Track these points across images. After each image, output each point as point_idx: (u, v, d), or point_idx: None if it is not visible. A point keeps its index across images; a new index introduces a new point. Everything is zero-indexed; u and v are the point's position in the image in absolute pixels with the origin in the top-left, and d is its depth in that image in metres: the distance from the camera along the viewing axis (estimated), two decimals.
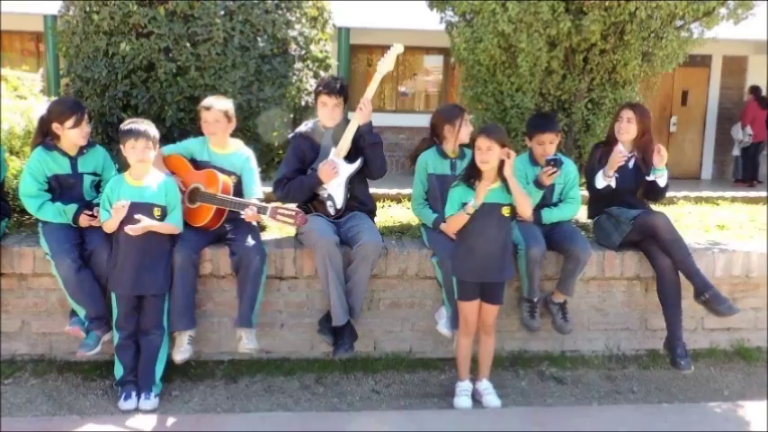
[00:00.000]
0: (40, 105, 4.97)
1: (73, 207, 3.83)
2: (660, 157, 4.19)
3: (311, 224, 3.90)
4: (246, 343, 3.87)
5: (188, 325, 3.87)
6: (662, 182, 4.29)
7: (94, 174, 4.01)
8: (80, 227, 3.84)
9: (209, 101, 4.06)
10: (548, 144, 4.23)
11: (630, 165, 4.33)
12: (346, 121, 4.17)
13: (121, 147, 3.71)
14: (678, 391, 4.04)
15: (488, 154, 3.55)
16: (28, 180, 3.85)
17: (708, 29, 4.96)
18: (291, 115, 5.06)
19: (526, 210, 3.67)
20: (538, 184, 4.16)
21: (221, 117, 4.03)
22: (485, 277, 3.67)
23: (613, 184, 4.28)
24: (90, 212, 3.83)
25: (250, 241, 3.93)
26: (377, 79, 4.08)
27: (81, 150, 3.98)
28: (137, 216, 3.62)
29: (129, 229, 3.59)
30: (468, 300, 3.73)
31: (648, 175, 4.29)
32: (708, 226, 5.46)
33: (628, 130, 4.31)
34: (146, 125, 3.71)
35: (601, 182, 4.29)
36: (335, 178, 4.07)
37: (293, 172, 4.18)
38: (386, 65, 4.05)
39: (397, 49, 4.03)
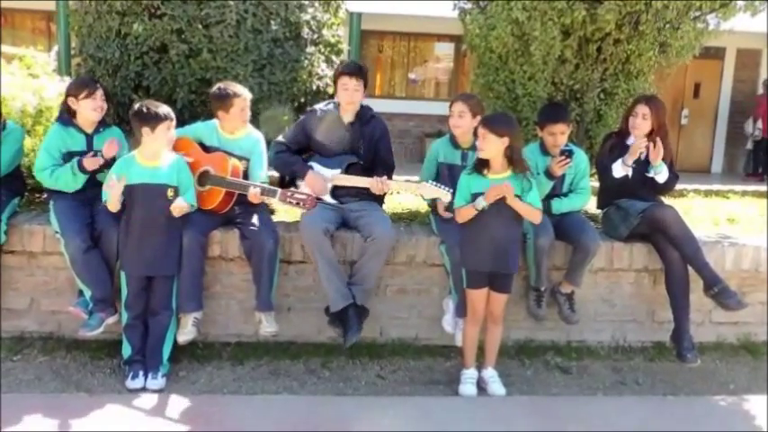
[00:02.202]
0: (52, 84, 4.98)
1: (74, 162, 3.84)
2: (656, 153, 4.15)
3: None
4: (267, 326, 3.90)
5: (195, 307, 3.88)
6: (660, 178, 4.25)
7: None
8: (88, 172, 3.84)
9: (241, 89, 4.03)
10: (559, 135, 4.21)
11: (642, 157, 4.31)
12: (361, 114, 4.18)
13: (146, 129, 3.65)
14: (683, 384, 4.04)
15: (482, 142, 3.59)
16: (43, 156, 3.88)
17: (724, 20, 4.90)
18: (302, 99, 5.05)
19: (533, 220, 3.69)
20: (549, 174, 4.15)
21: (248, 105, 4.05)
22: (491, 267, 3.67)
23: (630, 174, 4.25)
24: (93, 154, 3.86)
25: (262, 225, 3.94)
26: (408, 189, 4.04)
27: (97, 128, 4.00)
28: (173, 195, 3.67)
29: (175, 210, 3.63)
30: (476, 288, 3.72)
31: (648, 172, 4.26)
32: (718, 219, 5.44)
33: (641, 126, 4.26)
34: (166, 107, 3.73)
35: (619, 171, 4.25)
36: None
37: (294, 143, 4.25)
38: (426, 191, 3.93)
39: (443, 196, 3.86)
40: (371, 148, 4.20)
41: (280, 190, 3.80)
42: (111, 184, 3.61)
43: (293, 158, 4.21)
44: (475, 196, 3.61)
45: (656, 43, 4.82)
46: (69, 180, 3.85)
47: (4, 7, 11.35)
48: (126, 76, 4.78)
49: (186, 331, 3.85)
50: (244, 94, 4.04)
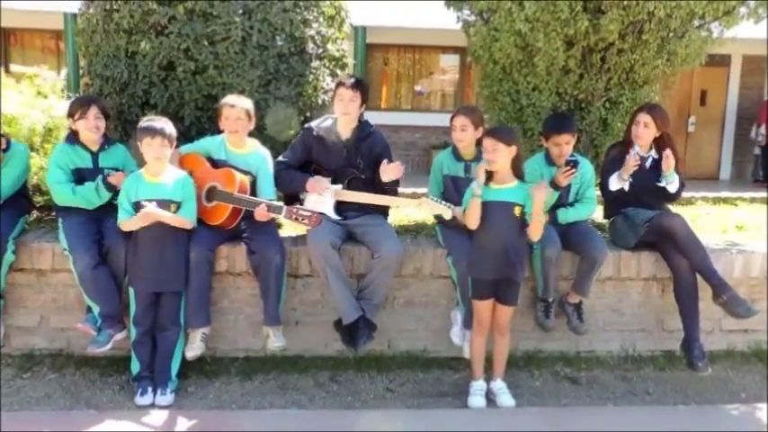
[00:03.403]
0: (61, 103, 5.03)
1: (98, 181, 3.90)
2: (668, 163, 4.17)
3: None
4: (275, 341, 3.91)
5: (203, 322, 3.90)
6: (672, 188, 4.28)
7: (115, 169, 4.04)
8: (113, 187, 3.88)
9: (233, 99, 4.10)
10: (564, 145, 4.20)
11: (648, 165, 4.32)
12: (359, 130, 4.17)
13: (138, 143, 3.75)
14: (695, 393, 4.01)
15: (493, 154, 3.59)
16: (56, 170, 3.92)
17: (727, 28, 4.91)
18: (308, 114, 5.07)
19: (534, 236, 3.68)
20: (554, 184, 4.15)
21: (244, 115, 4.07)
22: (496, 274, 3.65)
23: (626, 188, 4.25)
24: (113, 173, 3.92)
25: (269, 239, 3.95)
26: (409, 205, 4.03)
27: (102, 146, 4.05)
28: (151, 201, 3.66)
29: (140, 215, 3.62)
30: (481, 299, 3.72)
31: (659, 181, 4.27)
32: (726, 226, 5.42)
33: (644, 134, 4.28)
34: (162, 123, 3.74)
35: (615, 184, 4.27)
36: (319, 198, 4.07)
37: (294, 160, 4.24)
38: (427, 208, 3.92)
39: (445, 213, 3.85)
40: (372, 164, 4.18)
41: (285, 207, 3.82)
42: (146, 214, 3.63)
43: (292, 173, 4.20)
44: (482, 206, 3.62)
45: (663, 52, 4.82)
46: (93, 197, 3.90)
47: (13, 27, 11.50)
48: (133, 94, 4.82)
49: (194, 347, 3.86)
50: (233, 103, 4.06)
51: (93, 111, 3.96)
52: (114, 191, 3.90)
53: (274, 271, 3.87)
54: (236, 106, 4.05)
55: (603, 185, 4.42)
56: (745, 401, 3.91)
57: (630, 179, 4.24)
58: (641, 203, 4.30)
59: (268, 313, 3.92)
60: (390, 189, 4.13)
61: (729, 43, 5.07)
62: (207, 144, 4.21)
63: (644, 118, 4.28)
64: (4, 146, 4.06)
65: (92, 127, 3.96)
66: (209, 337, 3.97)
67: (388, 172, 4.01)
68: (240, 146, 4.14)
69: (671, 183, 4.25)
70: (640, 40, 4.72)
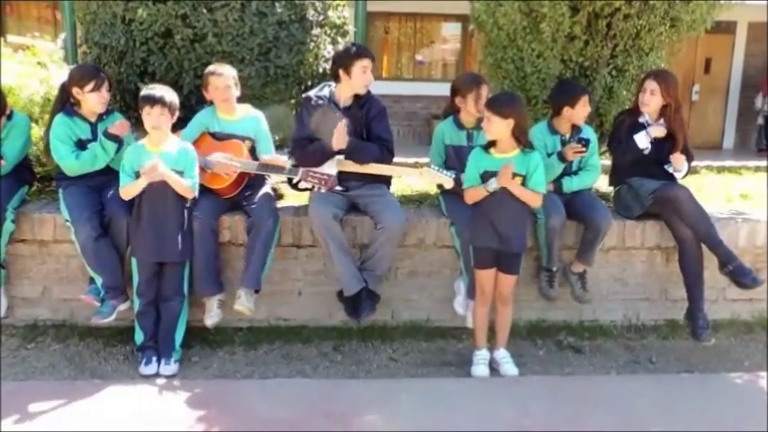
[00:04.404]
0: (60, 73, 4.96)
1: (100, 136, 3.87)
2: (676, 161, 4.16)
3: (310, 195, 3.90)
4: (245, 302, 3.81)
5: (215, 290, 3.90)
6: (678, 176, 4.27)
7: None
8: (116, 138, 3.84)
9: (218, 67, 4.05)
10: (587, 107, 4.18)
11: (661, 135, 4.26)
12: (358, 97, 4.12)
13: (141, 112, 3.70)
14: (698, 362, 4.01)
15: (487, 124, 3.56)
16: (59, 146, 3.87)
17: None
18: (310, 83, 5.00)
19: (533, 204, 3.66)
20: (561, 157, 4.10)
21: (231, 83, 4.04)
22: (497, 243, 3.62)
23: (649, 149, 4.21)
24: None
25: (264, 204, 3.96)
26: (411, 174, 4.04)
27: (100, 117, 4.01)
28: (156, 161, 3.60)
29: (145, 169, 3.56)
30: (483, 268, 3.71)
31: (667, 165, 4.23)
32: (731, 195, 5.39)
33: (651, 102, 4.22)
34: (162, 91, 3.67)
35: (644, 141, 4.20)
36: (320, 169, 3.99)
37: (308, 133, 4.06)
38: (428, 177, 3.96)
39: (446, 183, 3.91)
40: (365, 131, 4.10)
41: (301, 168, 3.81)
42: (149, 169, 3.56)
43: (317, 143, 4.01)
44: (484, 175, 3.58)
45: (667, 18, 4.74)
46: (99, 154, 3.84)
47: None
48: (131, 63, 4.76)
49: (212, 314, 3.88)
50: (220, 71, 4.01)
51: (106, 84, 3.95)
52: (117, 140, 3.85)
53: (264, 234, 3.85)
54: (224, 74, 4.02)
55: (621, 150, 4.33)
56: (747, 370, 3.91)
57: (653, 141, 4.19)
58: (647, 173, 4.26)
59: (247, 275, 3.86)
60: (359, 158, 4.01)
61: (735, 9, 4.98)
62: (201, 118, 4.16)
63: (650, 85, 4.22)
64: (8, 112, 4.04)
65: (104, 99, 3.95)
66: (225, 304, 3.94)
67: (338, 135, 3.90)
68: (231, 113, 4.11)
69: (679, 171, 4.24)
70: (647, 5, 4.63)
